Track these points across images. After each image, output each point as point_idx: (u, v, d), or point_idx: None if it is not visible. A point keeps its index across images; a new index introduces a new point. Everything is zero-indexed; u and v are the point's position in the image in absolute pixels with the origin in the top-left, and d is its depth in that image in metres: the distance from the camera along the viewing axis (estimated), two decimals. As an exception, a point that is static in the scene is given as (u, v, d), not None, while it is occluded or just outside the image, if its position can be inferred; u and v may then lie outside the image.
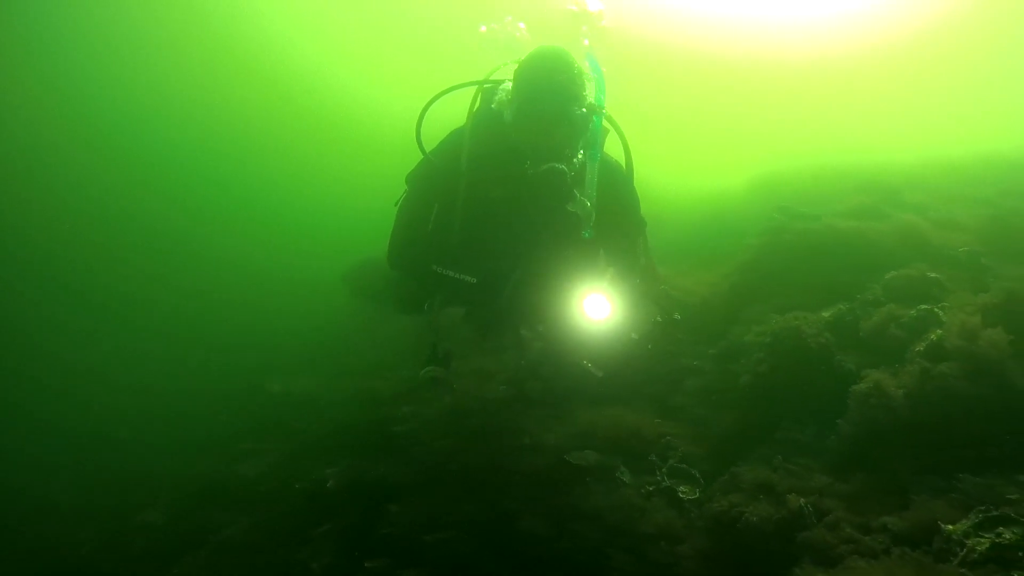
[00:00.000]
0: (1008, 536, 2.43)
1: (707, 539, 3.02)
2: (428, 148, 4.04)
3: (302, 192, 18.59)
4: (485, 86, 4.05)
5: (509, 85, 3.85)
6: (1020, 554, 2.36)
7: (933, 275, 4.62)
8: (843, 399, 3.56)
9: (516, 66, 3.80)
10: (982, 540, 2.45)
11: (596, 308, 3.52)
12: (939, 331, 3.72)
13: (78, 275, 12.01)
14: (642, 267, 3.96)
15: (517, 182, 3.68)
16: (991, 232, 5.75)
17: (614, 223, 3.83)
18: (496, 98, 3.89)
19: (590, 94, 3.75)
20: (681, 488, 3.47)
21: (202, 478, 5.43)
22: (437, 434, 4.84)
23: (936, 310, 4.02)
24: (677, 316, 4.48)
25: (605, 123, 3.84)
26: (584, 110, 3.62)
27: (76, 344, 9.76)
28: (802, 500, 2.98)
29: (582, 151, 3.70)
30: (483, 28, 5.76)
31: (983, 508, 2.63)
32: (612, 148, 3.96)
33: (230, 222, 15.55)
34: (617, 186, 3.85)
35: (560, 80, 3.60)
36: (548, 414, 4.48)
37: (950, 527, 2.60)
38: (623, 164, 3.95)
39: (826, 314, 4.37)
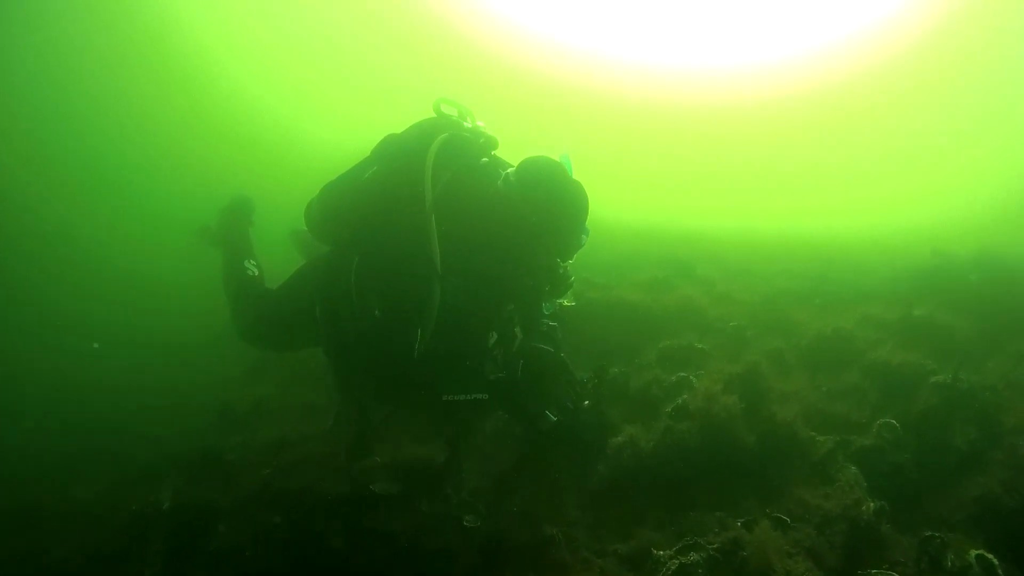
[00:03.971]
0: (694, 557, 3.18)
1: (476, 557, 3.61)
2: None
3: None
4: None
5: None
6: (699, 570, 3.12)
7: (700, 346, 5.44)
8: (604, 448, 4.29)
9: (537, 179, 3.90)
10: (675, 561, 3.19)
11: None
12: (686, 395, 4.50)
13: None
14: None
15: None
16: (760, 308, 6.70)
17: None
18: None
19: None
20: (467, 517, 4.07)
21: (30, 504, 5.53)
22: (261, 463, 5.29)
23: (691, 377, 4.81)
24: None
25: None
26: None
27: None
28: (555, 529, 3.66)
29: None
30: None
31: (687, 538, 3.38)
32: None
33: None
34: None
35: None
36: (362, 447, 4.97)
37: (660, 552, 3.33)
38: None
39: (604, 374, 5.08)
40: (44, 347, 9.81)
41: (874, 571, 3.12)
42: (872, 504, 3.52)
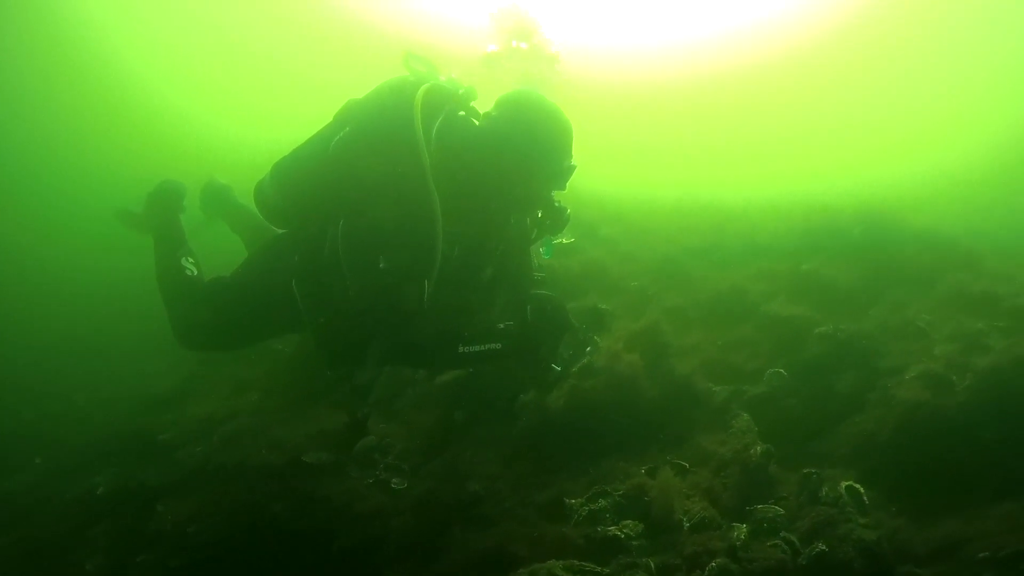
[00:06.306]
0: (602, 503, 3.56)
1: (409, 515, 3.87)
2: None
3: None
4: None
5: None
6: (607, 515, 3.50)
7: (604, 306, 5.79)
8: (515, 407, 4.62)
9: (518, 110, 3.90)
10: (586, 507, 3.55)
11: None
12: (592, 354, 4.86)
13: None
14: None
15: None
16: (661, 267, 7.11)
17: None
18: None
19: None
20: (394, 480, 4.35)
21: None
22: (194, 440, 5.45)
23: (595, 337, 5.16)
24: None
25: None
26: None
27: None
28: (477, 485, 3.98)
29: None
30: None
31: (596, 486, 3.75)
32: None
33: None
34: None
35: None
36: (289, 417, 5.21)
37: (572, 500, 3.69)
38: None
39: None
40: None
41: (760, 506, 3.51)
42: (760, 448, 3.93)
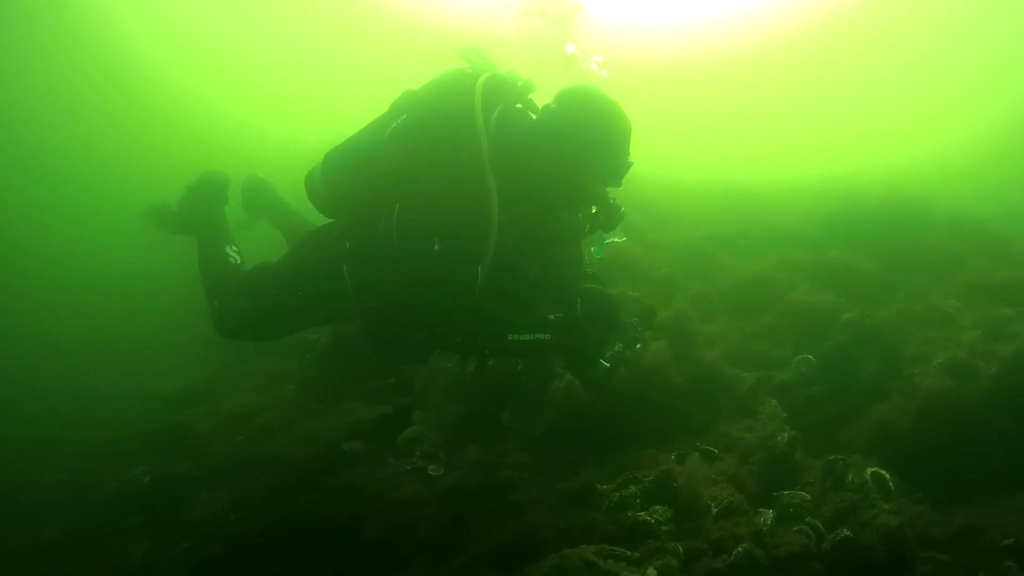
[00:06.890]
0: (632, 490, 3.65)
1: (440, 504, 3.98)
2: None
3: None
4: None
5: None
6: (636, 500, 3.59)
7: (634, 294, 5.86)
8: (545, 396, 4.71)
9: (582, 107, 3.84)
10: (616, 494, 3.64)
11: None
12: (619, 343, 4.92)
13: None
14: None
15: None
16: (687, 254, 7.17)
17: None
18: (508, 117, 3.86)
19: None
20: (430, 467, 4.46)
21: (5, 492, 5.48)
22: (230, 431, 5.60)
23: (645, 333, 5.22)
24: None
25: None
26: None
27: None
28: (508, 472, 4.09)
29: None
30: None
31: (626, 472, 3.84)
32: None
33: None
34: None
35: None
36: (322, 409, 5.36)
37: (603, 486, 3.78)
38: None
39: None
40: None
41: (787, 492, 3.59)
42: (786, 435, 4.00)
